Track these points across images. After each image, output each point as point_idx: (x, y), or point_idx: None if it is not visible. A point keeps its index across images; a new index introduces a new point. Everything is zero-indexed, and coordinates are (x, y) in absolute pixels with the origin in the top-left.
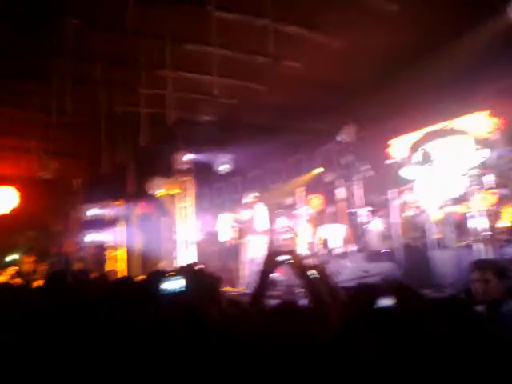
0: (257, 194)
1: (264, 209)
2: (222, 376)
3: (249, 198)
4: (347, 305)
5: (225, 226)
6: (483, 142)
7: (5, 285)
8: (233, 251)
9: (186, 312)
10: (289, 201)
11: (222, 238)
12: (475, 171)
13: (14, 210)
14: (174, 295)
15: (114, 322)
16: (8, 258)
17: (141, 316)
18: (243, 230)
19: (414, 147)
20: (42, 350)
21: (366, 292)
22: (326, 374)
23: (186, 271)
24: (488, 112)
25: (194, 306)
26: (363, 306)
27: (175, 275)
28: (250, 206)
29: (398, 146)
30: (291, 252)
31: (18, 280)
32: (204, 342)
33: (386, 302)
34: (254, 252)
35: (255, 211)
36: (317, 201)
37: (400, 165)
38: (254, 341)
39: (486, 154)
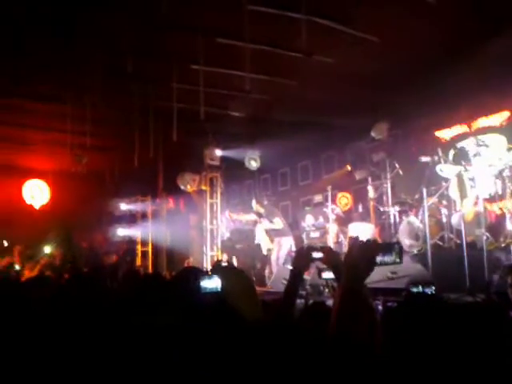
0: (266, 202)
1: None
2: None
3: (257, 206)
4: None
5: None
6: None
7: (42, 278)
8: (260, 249)
9: (224, 312)
10: (318, 198)
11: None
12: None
13: (46, 203)
14: (212, 294)
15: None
16: (40, 252)
17: (174, 315)
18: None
19: (449, 145)
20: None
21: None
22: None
23: (223, 270)
24: None
25: (232, 307)
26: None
27: (212, 273)
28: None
29: (432, 144)
30: (325, 248)
31: (49, 273)
32: (241, 343)
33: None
34: (281, 250)
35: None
36: (345, 199)
37: (434, 163)
38: (292, 342)
39: None
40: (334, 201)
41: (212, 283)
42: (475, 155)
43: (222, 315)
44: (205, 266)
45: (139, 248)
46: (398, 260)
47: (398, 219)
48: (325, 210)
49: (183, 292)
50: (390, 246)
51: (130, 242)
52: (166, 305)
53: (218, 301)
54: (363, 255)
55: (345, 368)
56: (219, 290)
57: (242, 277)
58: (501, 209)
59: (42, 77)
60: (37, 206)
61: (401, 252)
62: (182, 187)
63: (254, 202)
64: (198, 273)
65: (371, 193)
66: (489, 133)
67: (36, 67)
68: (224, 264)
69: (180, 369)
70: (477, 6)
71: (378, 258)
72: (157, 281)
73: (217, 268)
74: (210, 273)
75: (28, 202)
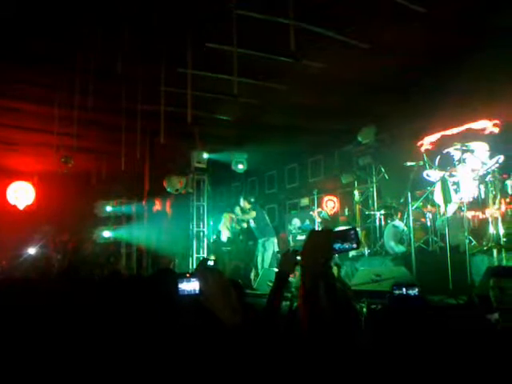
0: (252, 200)
1: (263, 213)
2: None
3: (245, 203)
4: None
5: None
6: (498, 147)
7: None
8: (246, 251)
9: (201, 316)
10: (304, 202)
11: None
12: (495, 176)
13: (31, 204)
14: (190, 297)
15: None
16: (26, 252)
17: (154, 317)
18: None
19: (435, 150)
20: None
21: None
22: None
23: (203, 271)
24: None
25: (209, 311)
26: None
27: (192, 276)
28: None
29: (418, 149)
30: None
31: (34, 274)
32: (217, 345)
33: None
34: (266, 253)
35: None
36: (331, 203)
37: (419, 168)
38: (274, 345)
39: (500, 159)
40: (320, 204)
41: (190, 286)
42: (460, 161)
43: (198, 318)
44: (190, 268)
45: (124, 250)
46: (354, 246)
47: (383, 223)
48: (311, 213)
49: (158, 293)
50: (345, 233)
51: (115, 244)
52: (143, 306)
53: (195, 303)
54: (319, 242)
55: (324, 365)
56: (197, 292)
57: (221, 279)
58: (484, 213)
59: (29, 77)
60: (21, 207)
61: (356, 237)
62: (169, 189)
63: (241, 199)
64: (171, 275)
65: (357, 197)
66: (473, 140)
67: (24, 68)
68: (210, 263)
69: (154, 372)
70: (466, 16)
71: (337, 245)
72: (138, 282)
73: (200, 267)
74: (188, 275)
75: (12, 202)
